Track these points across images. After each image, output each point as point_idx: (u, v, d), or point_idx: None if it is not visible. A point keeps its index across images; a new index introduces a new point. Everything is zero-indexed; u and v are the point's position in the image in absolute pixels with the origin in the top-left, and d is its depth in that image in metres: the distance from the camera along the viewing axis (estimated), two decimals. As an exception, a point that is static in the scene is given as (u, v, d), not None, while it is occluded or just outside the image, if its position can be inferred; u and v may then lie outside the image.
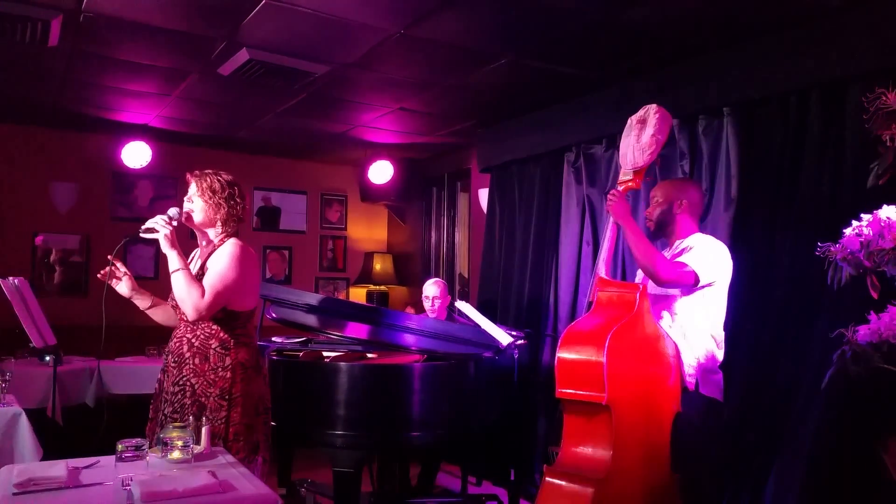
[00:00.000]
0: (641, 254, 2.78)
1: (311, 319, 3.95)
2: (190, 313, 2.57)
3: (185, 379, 2.61)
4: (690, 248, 2.85)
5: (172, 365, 2.66)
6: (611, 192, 2.92)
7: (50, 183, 5.95)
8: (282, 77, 4.25)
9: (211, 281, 2.58)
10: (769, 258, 3.40)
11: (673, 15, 3.29)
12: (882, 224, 2.15)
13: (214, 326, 2.64)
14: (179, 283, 2.55)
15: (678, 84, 3.83)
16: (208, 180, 2.72)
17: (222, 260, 2.63)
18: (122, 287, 2.71)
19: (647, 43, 3.66)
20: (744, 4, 3.17)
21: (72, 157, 6.04)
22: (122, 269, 2.70)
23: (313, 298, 4.03)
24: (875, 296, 2.17)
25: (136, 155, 5.91)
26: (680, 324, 2.82)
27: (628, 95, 4.06)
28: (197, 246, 2.83)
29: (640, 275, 3.14)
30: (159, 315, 2.81)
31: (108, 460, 2.17)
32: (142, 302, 2.76)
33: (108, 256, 2.67)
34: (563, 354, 2.66)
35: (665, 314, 2.85)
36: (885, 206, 2.20)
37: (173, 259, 2.57)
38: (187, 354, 2.63)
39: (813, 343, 3.09)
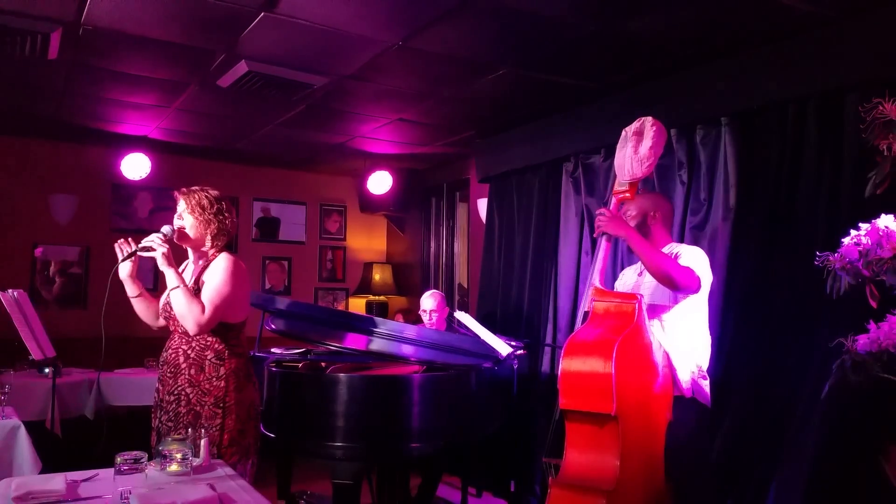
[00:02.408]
0: (654, 261, 2.78)
1: (310, 330, 3.94)
2: (192, 328, 2.64)
3: (180, 388, 2.69)
4: (680, 255, 2.88)
5: (168, 375, 2.73)
6: (602, 210, 2.92)
7: (49, 195, 5.95)
8: (280, 89, 4.26)
9: (209, 296, 2.65)
10: (768, 267, 3.39)
11: (670, 26, 3.30)
12: (880, 233, 2.15)
13: (210, 338, 2.71)
14: (179, 300, 2.62)
15: (676, 94, 3.84)
16: (196, 197, 2.78)
17: (218, 275, 2.69)
18: (124, 267, 2.71)
19: (645, 53, 3.68)
20: (741, 15, 3.18)
21: (71, 168, 6.05)
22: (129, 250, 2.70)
23: (312, 309, 4.02)
24: (874, 305, 2.18)
25: (135, 166, 5.93)
26: (669, 331, 2.84)
27: (627, 105, 4.06)
28: (185, 259, 2.89)
29: (619, 285, 3.16)
30: (141, 308, 2.82)
31: (106, 473, 2.17)
32: (132, 289, 2.76)
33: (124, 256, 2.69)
34: (568, 366, 2.63)
35: (655, 322, 2.86)
36: (883, 216, 2.21)
37: (171, 277, 2.64)
38: (183, 365, 2.70)
39: (812, 352, 3.09)
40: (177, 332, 2.75)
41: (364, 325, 3.88)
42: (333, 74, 4.09)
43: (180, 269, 2.85)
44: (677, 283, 2.77)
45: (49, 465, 3.39)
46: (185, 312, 2.61)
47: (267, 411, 3.44)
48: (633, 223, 2.99)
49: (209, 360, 2.69)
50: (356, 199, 7.23)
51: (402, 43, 3.59)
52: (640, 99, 4.03)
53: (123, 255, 2.67)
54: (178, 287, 2.62)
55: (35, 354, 3.76)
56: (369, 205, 6.97)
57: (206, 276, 2.72)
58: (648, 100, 3.96)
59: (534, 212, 4.98)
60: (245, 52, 3.76)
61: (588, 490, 2.51)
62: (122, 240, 2.71)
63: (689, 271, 2.80)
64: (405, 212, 7.04)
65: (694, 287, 2.80)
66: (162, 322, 2.82)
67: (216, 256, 2.77)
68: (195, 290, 2.68)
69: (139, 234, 2.84)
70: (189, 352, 2.70)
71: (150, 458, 2.22)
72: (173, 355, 2.73)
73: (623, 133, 2.96)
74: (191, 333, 2.66)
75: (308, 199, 7.19)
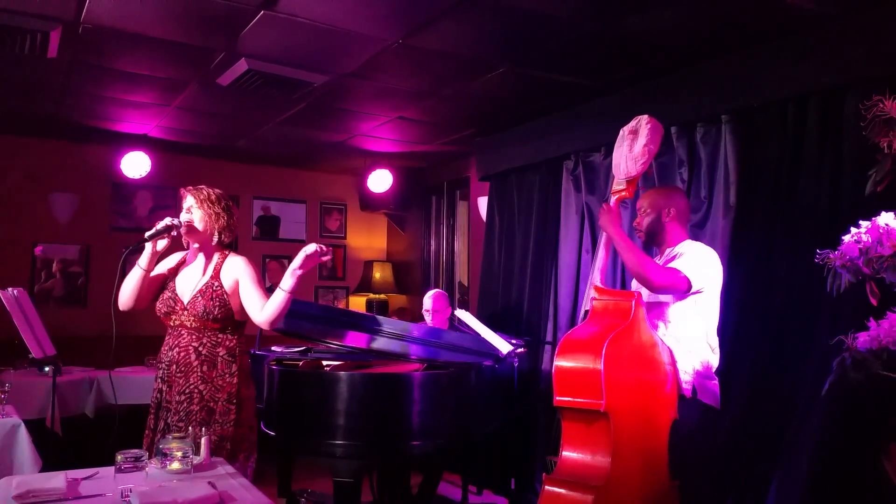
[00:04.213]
0: (631, 261, 2.79)
1: (310, 329, 3.94)
2: (268, 326, 2.70)
3: (192, 387, 2.69)
4: (681, 255, 2.87)
5: (178, 375, 2.71)
6: (603, 203, 2.95)
7: (50, 193, 5.95)
8: (280, 87, 4.26)
9: (260, 293, 2.73)
10: (768, 265, 3.39)
11: (670, 24, 3.29)
12: (880, 231, 2.15)
13: (221, 335, 2.74)
14: (285, 300, 2.67)
15: (676, 92, 3.84)
16: (205, 192, 2.81)
17: (249, 273, 2.76)
18: (161, 242, 2.76)
19: (645, 51, 3.67)
20: (741, 13, 3.17)
21: (71, 167, 6.05)
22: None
23: (313, 308, 4.03)
24: (874, 302, 2.18)
25: (135, 165, 5.92)
26: (674, 331, 2.82)
27: (627, 103, 4.07)
28: (173, 252, 2.92)
29: (636, 283, 3.15)
30: (136, 283, 2.75)
31: (107, 471, 2.17)
32: (147, 263, 2.74)
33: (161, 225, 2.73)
34: (561, 362, 2.66)
35: (659, 322, 2.85)
36: (883, 213, 2.21)
37: (289, 280, 2.69)
38: (195, 363, 2.71)
39: (812, 350, 3.09)
40: (184, 327, 2.73)
41: (364, 324, 3.88)
42: (333, 73, 4.09)
43: (177, 264, 2.87)
44: (652, 283, 2.76)
45: (49, 463, 3.40)
46: (286, 308, 2.67)
47: (267, 409, 3.45)
48: (647, 220, 2.98)
49: (221, 356, 2.72)
50: (356, 198, 7.23)
51: (402, 41, 3.59)
52: (640, 97, 4.03)
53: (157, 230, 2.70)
54: (287, 291, 2.65)
55: (35, 353, 3.77)
56: (370, 203, 6.97)
57: (230, 276, 2.75)
58: (648, 97, 3.95)
59: (534, 210, 4.98)
60: (245, 50, 3.76)
61: (577, 486, 2.52)
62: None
63: (671, 272, 2.77)
64: (405, 210, 7.04)
65: (678, 288, 2.77)
66: (131, 304, 2.78)
67: (227, 256, 2.81)
68: (213, 287, 2.72)
69: (139, 233, 2.84)
70: (200, 349, 2.71)
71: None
72: (182, 353, 2.71)
73: (620, 132, 2.96)
74: (268, 329, 2.74)
75: (308, 197, 7.19)
